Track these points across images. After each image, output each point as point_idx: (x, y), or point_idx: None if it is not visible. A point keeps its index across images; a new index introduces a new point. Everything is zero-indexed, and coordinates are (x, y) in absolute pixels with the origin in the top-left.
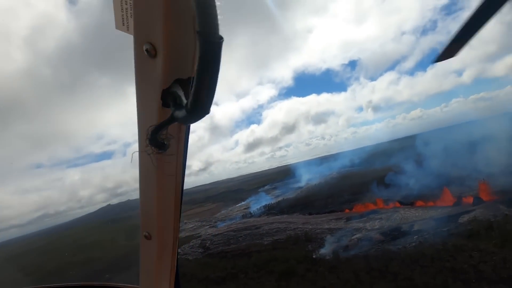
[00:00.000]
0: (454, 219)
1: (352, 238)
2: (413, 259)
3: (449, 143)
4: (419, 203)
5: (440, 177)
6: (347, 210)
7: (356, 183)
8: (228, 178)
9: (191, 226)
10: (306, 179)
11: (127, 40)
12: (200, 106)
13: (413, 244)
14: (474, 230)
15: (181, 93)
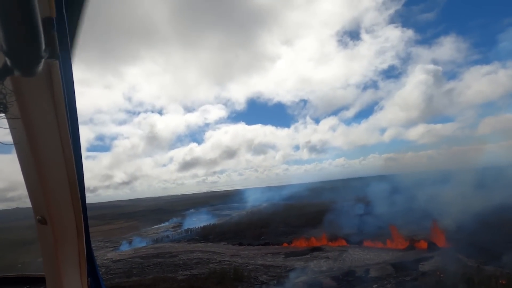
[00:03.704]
0: (414, 266)
1: (296, 281)
2: None
3: (375, 190)
4: (368, 243)
5: (378, 218)
6: (285, 244)
7: (292, 215)
8: (152, 197)
9: None
10: (237, 207)
11: None
12: (13, 46)
13: None
14: (446, 284)
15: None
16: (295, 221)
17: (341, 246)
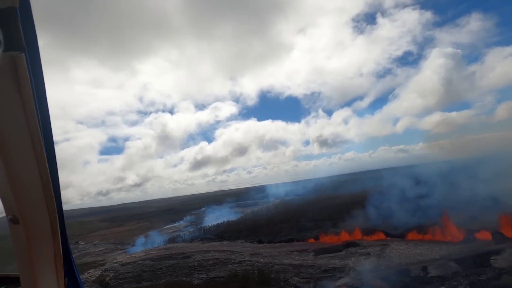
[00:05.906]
0: (483, 261)
1: (338, 284)
2: None
3: (399, 181)
4: (412, 235)
5: (414, 208)
6: (311, 240)
7: (312, 209)
8: (163, 198)
9: (99, 249)
10: (251, 204)
11: None
12: None
13: None
14: None
15: None
16: (317, 215)
17: (380, 240)
